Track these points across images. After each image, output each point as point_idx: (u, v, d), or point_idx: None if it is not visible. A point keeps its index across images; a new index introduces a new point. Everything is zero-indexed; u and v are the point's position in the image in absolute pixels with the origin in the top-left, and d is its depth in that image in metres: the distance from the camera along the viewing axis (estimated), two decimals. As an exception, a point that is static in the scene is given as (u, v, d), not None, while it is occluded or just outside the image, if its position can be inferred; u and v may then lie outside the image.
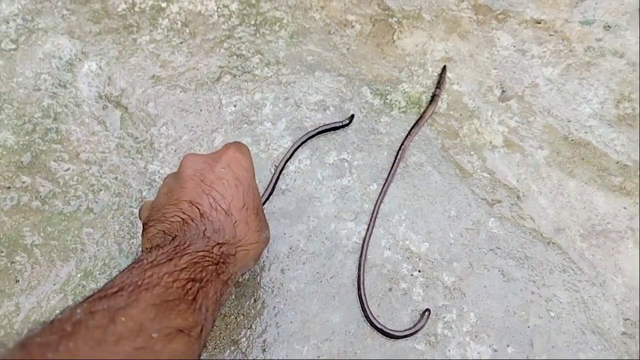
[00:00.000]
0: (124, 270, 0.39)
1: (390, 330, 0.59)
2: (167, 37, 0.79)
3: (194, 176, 0.49)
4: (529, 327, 0.61)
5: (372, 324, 0.59)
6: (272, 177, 0.66)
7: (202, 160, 0.51)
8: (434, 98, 0.76)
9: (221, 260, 0.44)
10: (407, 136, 0.72)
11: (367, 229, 0.64)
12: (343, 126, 0.71)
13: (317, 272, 0.62)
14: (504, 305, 0.62)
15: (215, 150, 0.58)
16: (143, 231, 0.48)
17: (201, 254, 0.42)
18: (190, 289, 0.39)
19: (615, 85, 0.79)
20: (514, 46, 0.83)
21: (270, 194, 0.65)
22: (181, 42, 0.79)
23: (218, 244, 0.45)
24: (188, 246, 0.42)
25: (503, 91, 0.78)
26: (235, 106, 0.73)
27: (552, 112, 0.76)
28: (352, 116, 0.71)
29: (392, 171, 0.69)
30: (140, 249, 0.61)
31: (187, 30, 0.80)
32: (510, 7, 0.87)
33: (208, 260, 0.42)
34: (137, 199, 0.66)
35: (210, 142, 0.70)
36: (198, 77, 0.75)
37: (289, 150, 0.68)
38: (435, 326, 0.60)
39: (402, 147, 0.71)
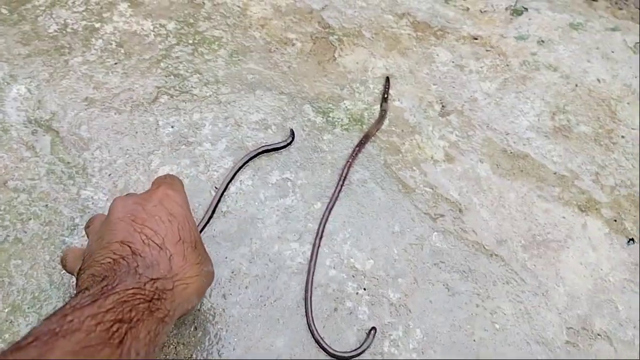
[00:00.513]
0: (45, 318, 0.36)
1: (337, 351, 0.57)
2: (101, 58, 0.76)
3: (124, 218, 0.46)
4: (474, 340, 0.61)
5: (319, 344, 0.57)
6: (212, 201, 0.64)
7: (132, 202, 0.49)
8: (383, 114, 0.76)
9: (155, 297, 0.41)
10: (357, 148, 0.72)
11: (313, 249, 0.63)
12: (285, 146, 0.70)
13: (261, 296, 0.60)
14: (449, 320, 0.62)
15: (149, 183, 0.55)
16: (76, 283, 0.45)
17: (131, 291, 0.39)
18: (117, 331, 0.36)
19: (551, 98, 0.82)
20: (453, 62, 0.84)
21: (210, 217, 0.63)
22: (116, 63, 0.76)
23: (152, 279, 0.42)
24: (117, 285, 0.39)
25: (443, 106, 0.79)
26: (172, 127, 0.71)
27: (490, 125, 0.78)
28: (292, 132, 0.71)
29: (340, 184, 0.68)
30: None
31: (122, 51, 0.78)
32: (447, 24, 0.89)
33: (139, 298, 0.39)
34: (69, 227, 0.63)
35: (147, 165, 0.67)
36: (133, 98, 0.73)
37: (230, 172, 0.66)
38: (381, 344, 0.59)
39: (353, 156, 0.71)
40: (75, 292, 0.44)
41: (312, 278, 0.62)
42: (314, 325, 0.59)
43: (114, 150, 0.68)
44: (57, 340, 0.33)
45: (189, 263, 0.46)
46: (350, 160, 0.71)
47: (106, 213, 0.58)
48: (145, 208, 0.48)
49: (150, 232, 0.45)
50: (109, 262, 0.42)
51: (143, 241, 0.45)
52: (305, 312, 0.59)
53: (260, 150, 0.68)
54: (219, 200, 0.64)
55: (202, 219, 0.63)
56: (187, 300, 0.46)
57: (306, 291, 0.61)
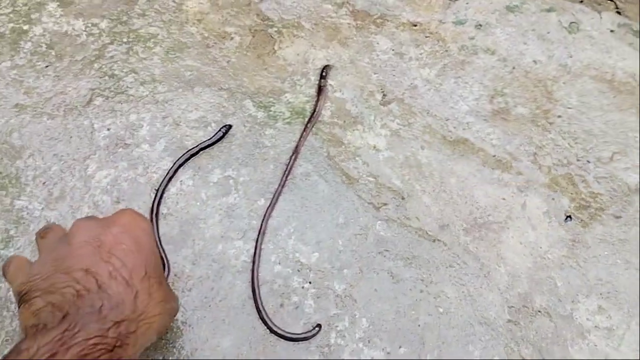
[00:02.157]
0: None
1: (287, 332, 0.58)
2: (31, 61, 0.74)
3: (89, 241, 0.44)
4: (419, 325, 0.62)
5: (267, 326, 0.58)
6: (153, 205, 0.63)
7: (96, 225, 0.46)
8: (321, 89, 0.76)
9: (117, 344, 0.39)
10: (301, 135, 0.72)
11: (258, 237, 0.63)
12: (221, 138, 0.69)
13: (205, 297, 0.60)
14: (394, 307, 0.63)
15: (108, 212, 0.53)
16: (22, 301, 0.41)
17: (93, 341, 0.37)
18: None
19: (489, 82, 0.83)
20: (393, 50, 0.85)
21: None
22: (47, 66, 0.74)
23: (116, 323, 0.40)
24: (78, 332, 0.37)
25: (384, 95, 0.80)
26: (109, 130, 0.69)
27: (431, 112, 0.79)
28: (226, 126, 0.70)
29: (286, 173, 0.68)
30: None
31: (53, 53, 0.75)
32: (387, 11, 0.89)
33: (101, 349, 0.38)
34: (4, 240, 0.61)
35: (83, 171, 0.66)
36: (67, 101, 0.71)
37: (166, 174, 0.65)
38: (328, 336, 0.60)
39: (297, 148, 0.71)
40: (20, 314, 0.42)
41: (258, 263, 0.62)
42: (261, 303, 0.59)
43: (48, 157, 0.67)
44: None
45: (154, 301, 0.44)
46: (299, 143, 0.71)
47: (62, 225, 0.54)
48: (112, 232, 0.45)
49: (118, 263, 0.43)
50: (72, 294, 0.40)
51: (110, 273, 0.42)
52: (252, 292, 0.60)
53: (191, 153, 0.67)
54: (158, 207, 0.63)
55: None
56: (148, 340, 0.44)
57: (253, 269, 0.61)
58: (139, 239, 0.46)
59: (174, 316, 0.51)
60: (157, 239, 0.61)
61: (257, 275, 0.61)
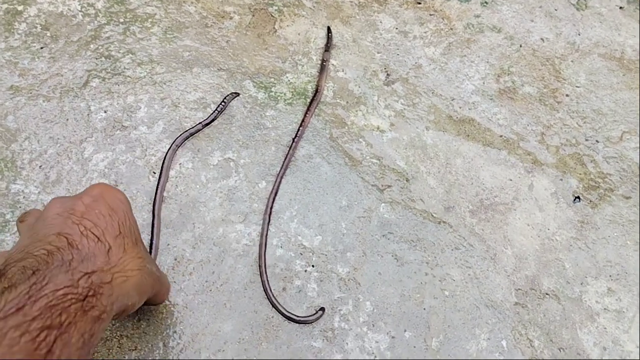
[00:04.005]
0: None
1: (294, 314, 0.57)
2: (26, 42, 0.72)
3: (62, 213, 0.44)
4: (424, 309, 0.61)
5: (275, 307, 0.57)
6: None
7: (70, 198, 0.46)
8: (323, 64, 0.75)
9: (90, 294, 0.39)
10: (305, 114, 0.71)
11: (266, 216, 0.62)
12: (233, 99, 0.68)
13: (206, 281, 0.59)
14: (399, 290, 0.61)
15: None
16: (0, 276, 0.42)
17: (62, 292, 0.37)
18: (44, 339, 0.33)
19: (495, 60, 0.81)
20: (396, 28, 0.82)
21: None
22: (42, 47, 0.72)
23: (86, 273, 0.40)
24: (46, 284, 0.37)
25: (388, 75, 0.78)
26: (106, 112, 0.68)
27: (436, 91, 0.77)
28: (235, 94, 0.69)
29: (290, 153, 0.67)
30: None
31: (48, 34, 0.73)
32: (390, -11, 0.86)
33: (71, 298, 0.37)
34: (0, 224, 0.60)
35: (80, 154, 0.64)
36: (63, 83, 0.69)
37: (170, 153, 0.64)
38: (331, 320, 0.59)
39: (303, 124, 0.70)
40: None
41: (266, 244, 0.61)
42: (268, 282, 0.58)
43: (44, 140, 0.65)
44: None
45: (129, 256, 0.44)
46: (302, 127, 0.70)
47: (41, 208, 0.55)
48: (85, 202, 0.45)
49: (89, 223, 0.43)
50: (43, 254, 0.39)
51: (81, 232, 0.42)
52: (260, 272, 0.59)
53: (194, 130, 0.66)
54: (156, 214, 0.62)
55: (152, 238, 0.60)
56: (126, 295, 0.44)
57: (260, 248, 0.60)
58: (112, 204, 0.46)
59: (158, 285, 0.50)
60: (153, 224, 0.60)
61: (265, 251, 0.60)
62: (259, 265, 0.60)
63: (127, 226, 0.46)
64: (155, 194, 0.61)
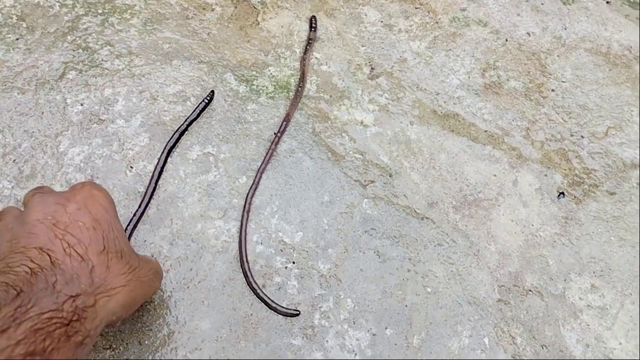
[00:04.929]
0: None
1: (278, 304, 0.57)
2: (1, 33, 0.70)
3: (44, 220, 0.42)
4: (406, 306, 0.60)
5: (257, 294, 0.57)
6: (145, 192, 0.60)
7: (54, 202, 0.44)
8: (309, 42, 0.74)
9: (74, 318, 0.38)
10: (293, 101, 0.70)
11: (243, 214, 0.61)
12: (208, 104, 0.66)
13: (184, 278, 0.58)
14: (380, 287, 0.61)
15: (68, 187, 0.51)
16: None
17: (47, 315, 0.36)
18: None
19: (481, 55, 0.80)
20: (381, 21, 0.81)
21: (139, 219, 0.59)
22: (17, 39, 0.70)
23: (71, 297, 0.39)
24: (31, 307, 0.36)
25: (372, 68, 0.77)
26: (82, 105, 0.66)
27: (420, 86, 0.76)
28: (212, 92, 0.67)
29: (272, 147, 0.66)
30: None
31: (24, 25, 0.71)
32: (375, -18, 0.85)
33: (56, 323, 0.36)
34: (-28, 220, 0.58)
35: (55, 148, 0.63)
36: (38, 75, 0.67)
37: (160, 157, 0.62)
38: (312, 317, 0.58)
39: (287, 117, 0.69)
40: None
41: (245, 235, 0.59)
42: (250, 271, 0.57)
43: (18, 133, 0.63)
44: None
45: (112, 274, 0.43)
46: (290, 112, 0.69)
47: (15, 204, 0.53)
48: (68, 210, 0.44)
49: (73, 240, 0.42)
50: (26, 272, 0.38)
51: (65, 250, 0.41)
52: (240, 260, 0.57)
53: (188, 122, 0.65)
54: (152, 192, 0.61)
55: (130, 221, 0.59)
56: (111, 313, 0.43)
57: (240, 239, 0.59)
58: (97, 215, 0.45)
59: (153, 289, 0.49)
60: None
61: (245, 239, 0.59)
62: (240, 252, 0.59)
63: (111, 239, 0.45)
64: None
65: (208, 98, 0.66)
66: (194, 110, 0.66)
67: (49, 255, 0.40)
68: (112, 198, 0.48)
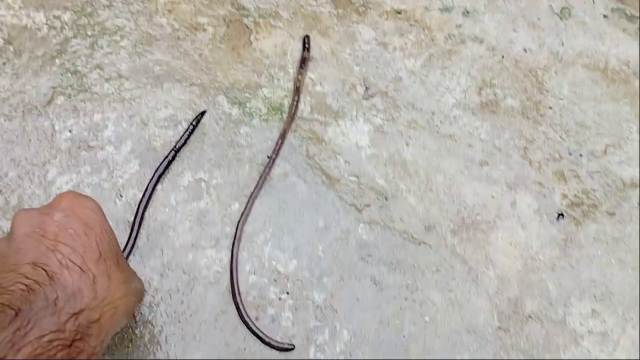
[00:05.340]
0: None
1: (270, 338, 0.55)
2: (-13, 58, 0.69)
3: (32, 233, 0.40)
4: (404, 336, 0.59)
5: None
6: (134, 220, 0.59)
7: (38, 213, 0.42)
8: (304, 61, 0.73)
9: (77, 337, 0.36)
10: (289, 118, 0.69)
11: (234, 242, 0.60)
12: (196, 126, 0.65)
13: (175, 312, 0.56)
14: (377, 317, 0.59)
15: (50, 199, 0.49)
16: None
17: (47, 338, 0.34)
18: None
19: (477, 72, 0.79)
20: (376, 40, 0.80)
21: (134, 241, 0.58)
22: (4, 63, 0.69)
23: (73, 314, 0.37)
24: (30, 330, 0.34)
25: (367, 88, 0.75)
26: (70, 131, 0.65)
27: (416, 105, 0.74)
28: (203, 112, 0.66)
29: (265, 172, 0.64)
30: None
31: (11, 48, 0.70)
32: (369, -1, 0.84)
33: (57, 345, 0.34)
34: (-43, 253, 0.56)
35: (43, 176, 0.61)
36: (25, 101, 0.66)
37: (148, 186, 0.61)
38: (307, 351, 0.56)
39: (284, 132, 0.68)
40: None
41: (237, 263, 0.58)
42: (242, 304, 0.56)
43: (5, 162, 0.62)
44: None
45: (114, 283, 0.41)
46: (285, 128, 0.68)
47: (0, 236, 0.52)
48: (55, 218, 0.41)
49: (67, 249, 0.40)
50: (22, 289, 0.36)
51: (60, 262, 0.39)
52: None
53: (176, 147, 0.63)
54: (141, 219, 0.59)
55: (127, 242, 0.57)
56: (116, 325, 0.41)
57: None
58: (86, 219, 0.43)
59: (141, 297, 0.48)
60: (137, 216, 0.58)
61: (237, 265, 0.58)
62: (231, 283, 0.57)
63: (105, 243, 0.42)
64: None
65: (196, 121, 0.65)
66: (185, 132, 0.65)
67: (44, 270, 0.38)
68: (97, 202, 0.46)
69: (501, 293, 0.63)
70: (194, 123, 0.65)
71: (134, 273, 0.48)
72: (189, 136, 0.65)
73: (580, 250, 0.67)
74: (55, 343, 0.34)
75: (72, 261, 0.39)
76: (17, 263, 0.38)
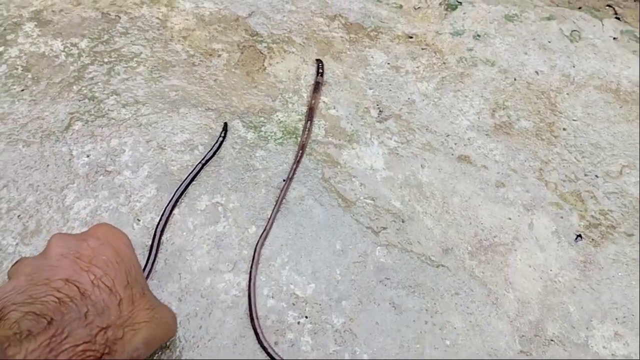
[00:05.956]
0: None
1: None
2: (6, 85, 0.70)
3: (67, 254, 0.42)
4: (425, 361, 0.58)
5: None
6: (153, 241, 0.59)
7: (74, 238, 0.45)
8: (317, 85, 0.74)
9: (106, 351, 0.38)
10: (304, 133, 0.70)
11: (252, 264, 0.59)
12: (222, 142, 0.66)
13: (193, 337, 0.56)
14: (397, 341, 0.58)
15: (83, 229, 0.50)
16: None
17: (81, 347, 0.36)
18: None
19: (490, 95, 0.79)
20: (388, 63, 0.81)
21: (153, 263, 0.58)
22: (22, 90, 0.70)
23: (102, 329, 0.39)
24: (66, 337, 0.36)
25: (380, 111, 0.76)
26: (88, 156, 0.65)
27: (430, 128, 0.75)
28: (225, 125, 0.67)
29: (281, 195, 0.64)
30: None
31: (30, 75, 0.71)
32: (381, 24, 0.85)
33: (89, 356, 0.36)
34: (-25, 279, 0.56)
35: (61, 201, 0.61)
36: (44, 127, 0.67)
37: (169, 204, 0.61)
38: (327, 377, 0.55)
39: (303, 143, 0.69)
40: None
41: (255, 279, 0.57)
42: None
43: (23, 187, 0.62)
44: None
45: (137, 308, 0.43)
46: (301, 151, 0.68)
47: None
48: (90, 245, 0.44)
49: (99, 272, 0.42)
50: (54, 302, 0.38)
51: (92, 282, 0.41)
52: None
53: (202, 163, 0.64)
54: (159, 240, 0.59)
55: (146, 264, 0.57)
56: (134, 349, 0.42)
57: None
58: (119, 249, 0.45)
59: (169, 333, 0.48)
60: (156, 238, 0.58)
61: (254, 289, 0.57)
62: (249, 308, 0.57)
63: (133, 274, 0.45)
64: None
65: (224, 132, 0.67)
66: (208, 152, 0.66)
67: (76, 287, 0.40)
68: (128, 237, 0.48)
69: (522, 316, 0.62)
70: (222, 134, 0.66)
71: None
72: (218, 147, 0.66)
73: (600, 271, 0.66)
74: (88, 353, 0.36)
75: (103, 283, 0.41)
76: (50, 278, 0.40)
